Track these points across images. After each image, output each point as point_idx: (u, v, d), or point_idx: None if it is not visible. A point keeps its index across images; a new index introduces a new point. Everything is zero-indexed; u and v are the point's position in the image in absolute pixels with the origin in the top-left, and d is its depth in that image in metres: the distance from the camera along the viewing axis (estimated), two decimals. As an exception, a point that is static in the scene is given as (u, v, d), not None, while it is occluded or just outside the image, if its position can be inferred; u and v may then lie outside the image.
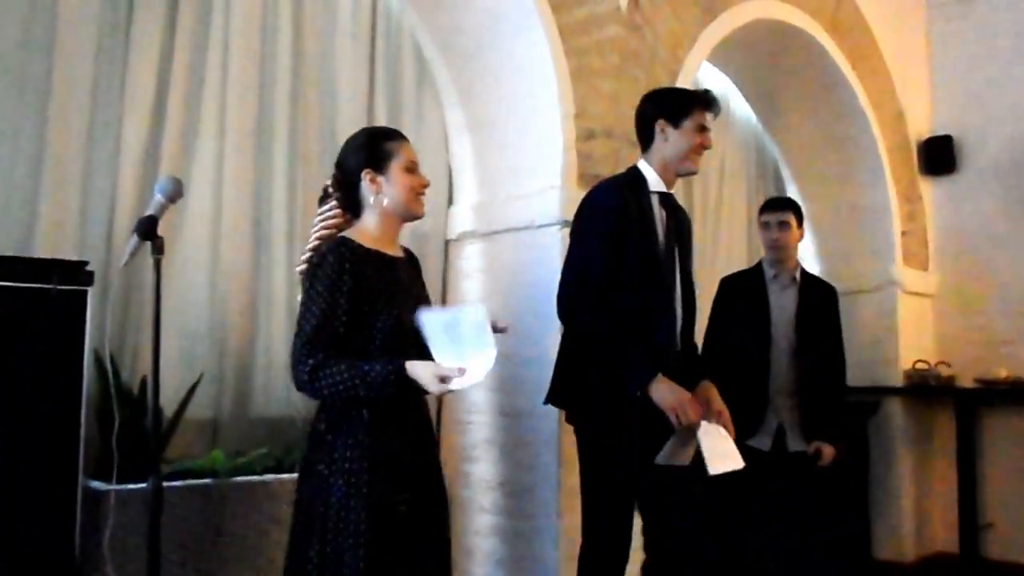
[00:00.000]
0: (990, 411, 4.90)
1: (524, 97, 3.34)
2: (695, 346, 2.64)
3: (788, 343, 3.19)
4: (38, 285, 2.15)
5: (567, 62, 3.28)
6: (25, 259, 2.33)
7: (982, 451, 4.94)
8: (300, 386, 1.85)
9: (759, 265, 3.36)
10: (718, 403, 2.42)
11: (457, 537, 2.12)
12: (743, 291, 3.30)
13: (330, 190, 2.10)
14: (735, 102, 5.03)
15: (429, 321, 1.82)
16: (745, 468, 2.36)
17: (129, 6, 2.84)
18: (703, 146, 2.49)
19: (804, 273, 3.34)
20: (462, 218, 3.57)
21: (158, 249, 1.98)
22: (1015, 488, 4.85)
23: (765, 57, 4.71)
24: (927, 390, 4.93)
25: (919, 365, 4.96)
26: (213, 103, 3.00)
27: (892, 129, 5.15)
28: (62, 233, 2.63)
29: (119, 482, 2.23)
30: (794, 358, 3.18)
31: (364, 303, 1.88)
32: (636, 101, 2.63)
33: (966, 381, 4.96)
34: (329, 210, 2.12)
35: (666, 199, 2.51)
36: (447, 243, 3.64)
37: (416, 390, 1.80)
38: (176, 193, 2.05)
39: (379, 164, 1.99)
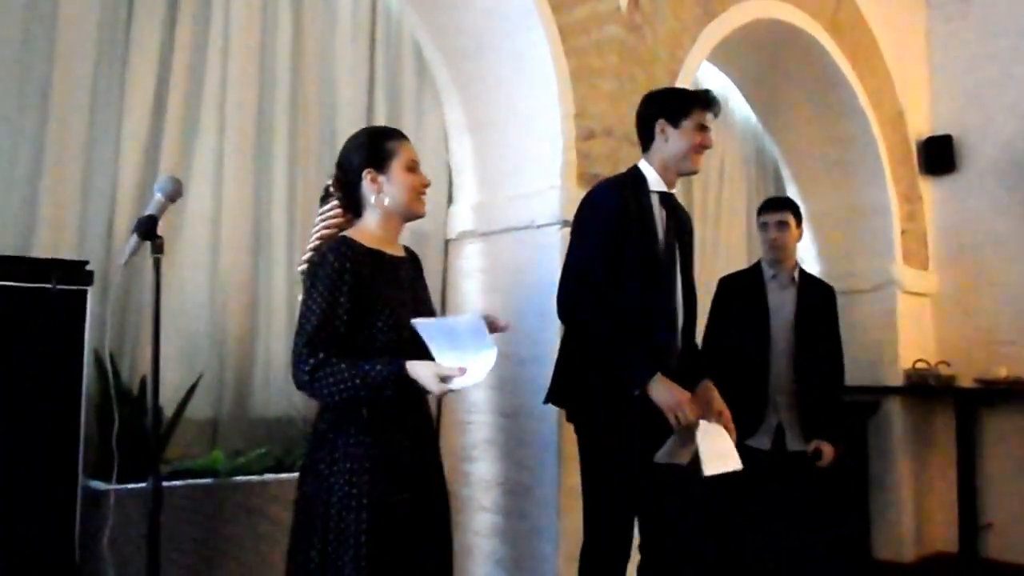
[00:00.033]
0: (990, 411, 4.90)
1: (524, 97, 3.34)
2: (696, 346, 2.64)
3: (787, 343, 3.19)
4: (38, 285, 2.15)
5: (567, 62, 3.28)
6: (25, 259, 2.33)
7: (982, 451, 4.94)
8: (300, 385, 1.85)
9: (758, 265, 3.36)
10: (719, 403, 2.42)
11: (457, 536, 2.12)
12: (742, 291, 3.30)
13: (331, 190, 2.10)
14: (735, 102, 5.04)
15: (424, 326, 1.82)
16: (745, 468, 2.36)
17: (129, 6, 2.84)
18: (703, 145, 2.49)
19: (803, 273, 3.34)
20: (462, 218, 3.57)
21: (158, 249, 1.98)
22: (1015, 488, 4.85)
23: (765, 57, 4.71)
24: (927, 390, 4.93)
25: (919, 365, 4.96)
26: (213, 103, 3.00)
27: (892, 129, 5.15)
28: (62, 233, 2.63)
29: (119, 482, 2.23)
30: (793, 358, 3.18)
31: (365, 303, 1.88)
32: (636, 101, 2.63)
33: (966, 381, 4.96)
34: (330, 210, 2.12)
35: (667, 199, 2.51)
36: (447, 243, 3.64)
37: (417, 390, 1.80)
38: (176, 192, 2.05)
39: (380, 163, 1.99)
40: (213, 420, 2.93)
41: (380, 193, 1.99)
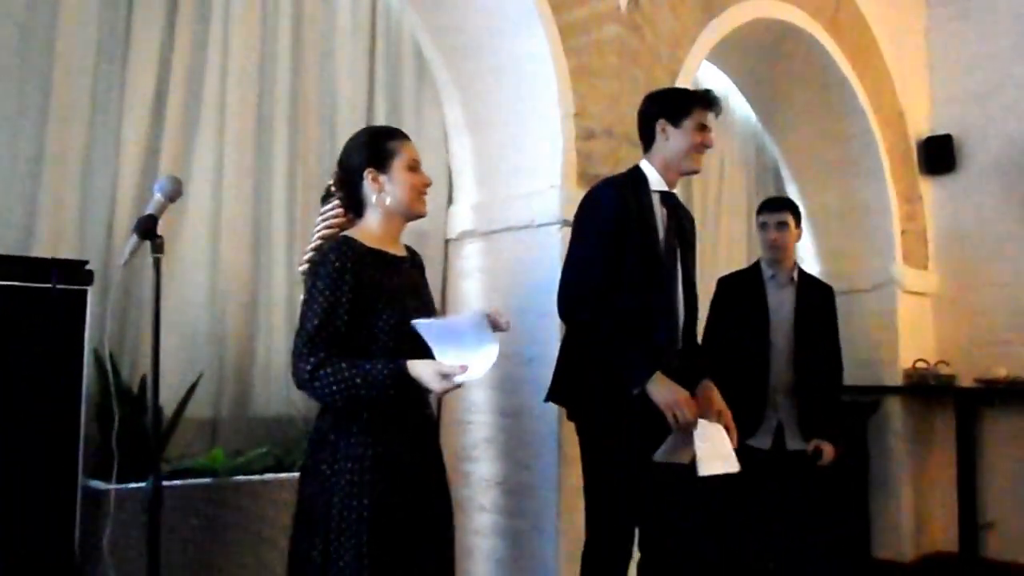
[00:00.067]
0: (990, 411, 4.90)
1: (524, 97, 3.34)
2: (697, 345, 2.64)
3: (787, 342, 3.20)
4: (38, 284, 2.15)
5: (567, 62, 3.28)
6: (25, 258, 2.33)
7: (982, 451, 4.94)
8: (300, 385, 1.84)
9: (757, 265, 3.36)
10: (719, 402, 2.42)
11: (457, 536, 2.11)
12: (741, 291, 3.30)
13: (332, 189, 2.10)
14: (735, 102, 5.03)
15: (425, 327, 1.82)
16: (745, 468, 2.36)
17: (129, 6, 2.84)
18: (704, 145, 2.50)
19: (801, 273, 3.35)
20: (462, 217, 3.57)
21: (158, 248, 1.98)
22: (1015, 488, 4.85)
23: (765, 57, 4.71)
24: (927, 389, 4.94)
25: (919, 364, 4.96)
26: (213, 103, 3.00)
27: (892, 128, 5.15)
28: (62, 232, 2.63)
29: (119, 481, 2.22)
30: (792, 357, 3.18)
31: (366, 302, 1.88)
32: (636, 101, 2.63)
33: (966, 381, 4.97)
34: (331, 209, 2.12)
35: (668, 198, 2.52)
36: (447, 242, 3.64)
37: (418, 389, 1.80)
38: (175, 192, 2.05)
39: (381, 163, 1.99)
40: (213, 420, 2.93)
41: (381, 193, 1.99)
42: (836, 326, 3.34)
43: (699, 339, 2.70)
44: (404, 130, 2.13)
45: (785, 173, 5.27)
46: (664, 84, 3.55)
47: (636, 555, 2.44)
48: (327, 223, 2.09)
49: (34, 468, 2.13)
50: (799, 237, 3.34)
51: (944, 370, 4.99)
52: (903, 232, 5.10)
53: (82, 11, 2.72)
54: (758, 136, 5.21)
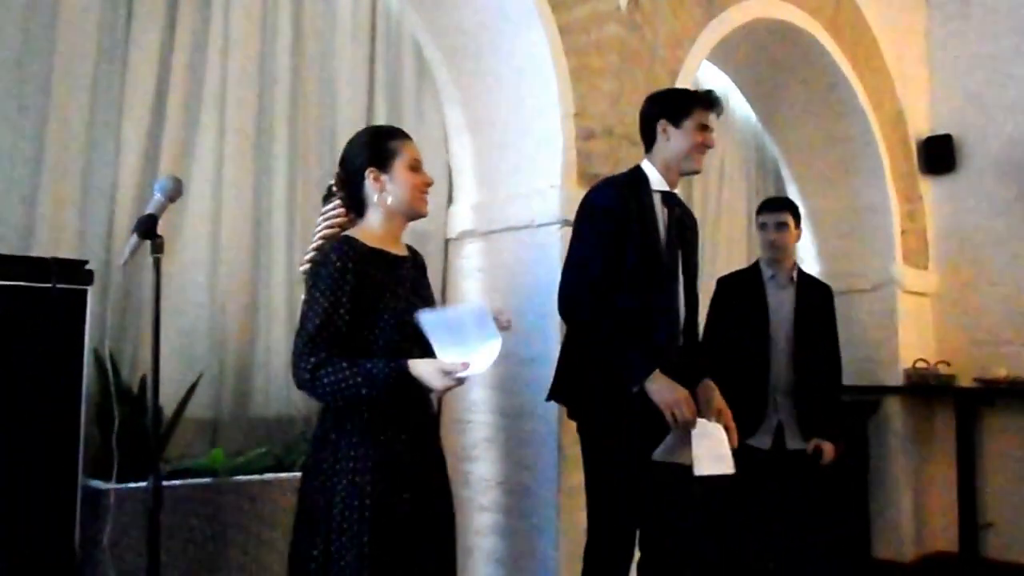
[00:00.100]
0: (990, 411, 4.90)
1: (524, 97, 3.34)
2: (698, 345, 2.64)
3: (787, 342, 3.20)
4: (38, 284, 2.15)
5: (567, 61, 3.28)
6: (25, 258, 2.32)
7: (982, 451, 4.94)
8: (301, 384, 1.84)
9: (756, 265, 3.37)
10: (719, 402, 2.42)
11: (457, 536, 2.11)
12: (741, 291, 3.31)
13: (334, 189, 2.10)
14: (735, 102, 5.03)
15: (429, 321, 1.81)
16: (745, 467, 2.36)
17: (129, 6, 2.84)
18: (705, 145, 2.50)
19: (801, 273, 3.36)
20: (462, 217, 3.57)
21: (158, 248, 1.98)
22: (1015, 488, 4.86)
23: (765, 57, 4.71)
24: (927, 389, 4.93)
25: (919, 364, 4.96)
26: (213, 103, 3.00)
27: (892, 129, 5.15)
28: (62, 232, 2.63)
29: (119, 481, 2.23)
30: (792, 357, 3.19)
31: (367, 302, 1.88)
32: (636, 100, 2.64)
33: (966, 380, 4.97)
34: (332, 209, 2.12)
35: (669, 198, 2.52)
36: (447, 242, 3.64)
37: (419, 388, 1.80)
38: (176, 192, 2.05)
39: (383, 163, 1.99)
40: (213, 419, 2.93)
41: (383, 192, 1.99)
42: (835, 326, 3.35)
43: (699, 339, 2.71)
44: (404, 130, 2.13)
45: (785, 173, 5.27)
46: (664, 84, 3.56)
47: (636, 555, 2.44)
48: (328, 223, 2.10)
49: (34, 468, 2.13)
50: (799, 237, 3.35)
51: (944, 370, 4.99)
52: (903, 232, 5.10)
53: (82, 11, 2.72)
54: (758, 136, 5.21)
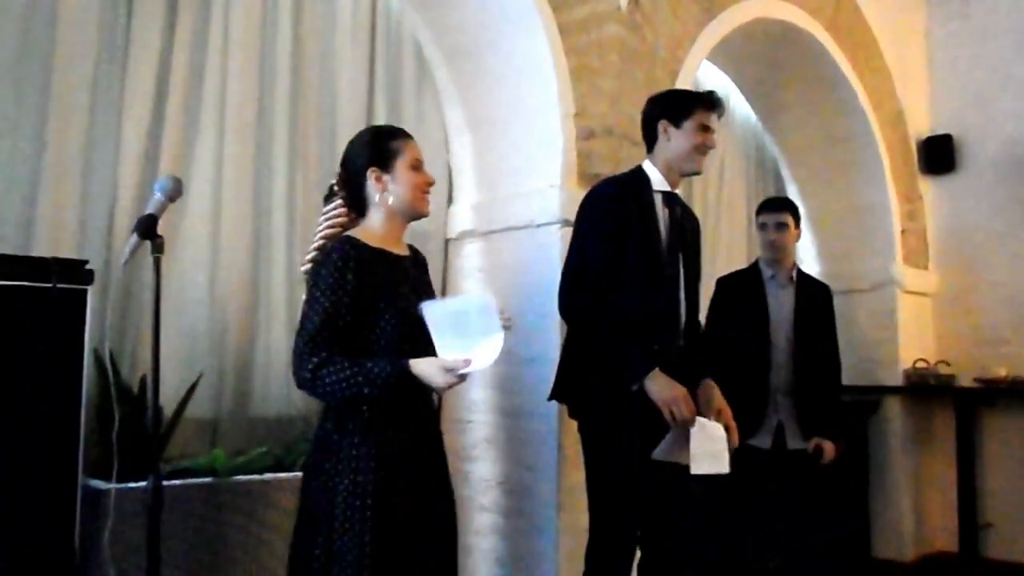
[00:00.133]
0: (990, 411, 4.90)
1: (524, 97, 3.34)
2: (699, 344, 2.64)
3: (787, 342, 3.20)
4: (38, 284, 2.15)
5: (567, 61, 3.28)
6: (25, 258, 2.32)
7: (982, 451, 4.94)
8: (302, 384, 1.84)
9: (756, 265, 3.37)
10: (719, 401, 2.42)
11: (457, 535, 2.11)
12: (741, 291, 3.31)
13: (335, 189, 2.10)
14: (735, 102, 5.03)
15: (434, 312, 1.81)
16: (745, 467, 2.36)
17: (129, 6, 2.84)
18: (706, 146, 2.50)
19: (800, 273, 3.36)
20: (462, 217, 3.57)
21: (158, 248, 1.98)
22: (1015, 488, 4.85)
23: (765, 57, 4.71)
24: (927, 389, 4.94)
25: (919, 364, 4.97)
26: (213, 103, 3.00)
27: (892, 128, 5.15)
28: (62, 232, 2.63)
29: (119, 481, 2.23)
30: (792, 357, 3.19)
31: (369, 302, 1.88)
32: (636, 100, 2.64)
33: (966, 380, 4.97)
34: (334, 209, 2.12)
35: (670, 198, 2.52)
36: (447, 242, 3.64)
37: (420, 387, 1.80)
38: (176, 192, 2.05)
39: (384, 162, 1.99)
40: (213, 419, 2.93)
41: (384, 192, 1.99)
42: (834, 326, 3.36)
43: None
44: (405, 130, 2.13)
45: (785, 173, 5.27)
46: (664, 84, 3.56)
47: (637, 555, 2.44)
48: (330, 222, 2.10)
49: (34, 468, 2.13)
50: (798, 237, 3.35)
51: (944, 370, 4.99)
52: (903, 232, 5.10)
53: (82, 11, 2.72)
54: (758, 136, 5.21)
